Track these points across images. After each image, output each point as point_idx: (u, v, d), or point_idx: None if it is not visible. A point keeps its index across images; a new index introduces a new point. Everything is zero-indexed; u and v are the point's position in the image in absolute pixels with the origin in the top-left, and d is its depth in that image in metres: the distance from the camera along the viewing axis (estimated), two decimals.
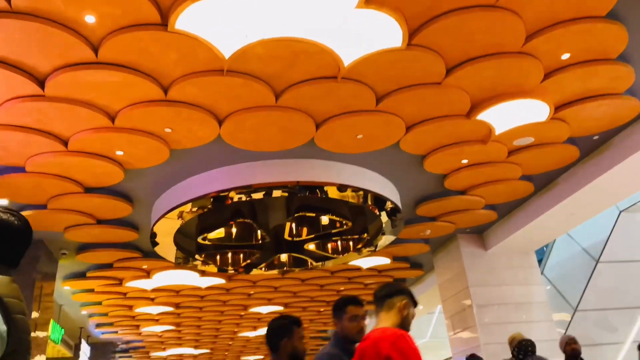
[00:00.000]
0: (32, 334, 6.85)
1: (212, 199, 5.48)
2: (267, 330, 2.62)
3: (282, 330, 2.57)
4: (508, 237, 7.86)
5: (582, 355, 4.76)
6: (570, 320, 10.01)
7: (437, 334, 17.08)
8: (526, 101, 4.65)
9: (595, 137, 5.60)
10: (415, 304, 2.31)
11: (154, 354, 16.71)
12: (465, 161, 5.79)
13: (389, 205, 6.03)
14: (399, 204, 6.23)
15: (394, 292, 2.29)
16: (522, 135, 5.34)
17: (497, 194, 6.72)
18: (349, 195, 5.69)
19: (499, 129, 5.14)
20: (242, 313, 12.34)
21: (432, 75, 4.25)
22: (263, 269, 7.55)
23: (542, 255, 11.69)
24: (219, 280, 9.33)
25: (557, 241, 11.27)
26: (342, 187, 5.54)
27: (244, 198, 5.46)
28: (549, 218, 7.08)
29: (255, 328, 14.29)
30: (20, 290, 1.60)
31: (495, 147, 5.50)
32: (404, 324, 2.24)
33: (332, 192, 5.56)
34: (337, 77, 4.14)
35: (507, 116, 4.91)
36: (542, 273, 10.65)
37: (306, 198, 6.01)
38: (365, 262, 8.80)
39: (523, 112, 4.85)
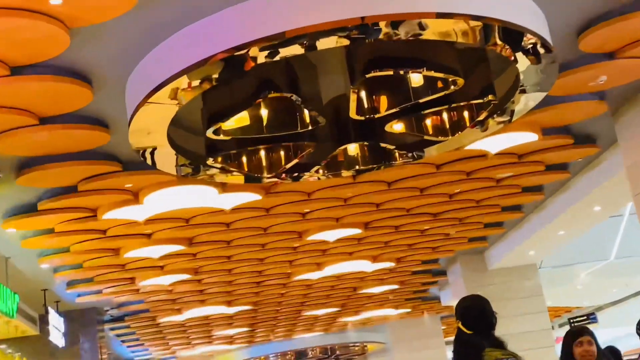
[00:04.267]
0: None
1: (221, 64, 5.52)
2: None
3: None
4: None
5: None
6: None
7: (628, 250, 17.24)
8: None
9: None
10: None
11: (164, 319, 17.90)
12: None
13: (529, 40, 5.86)
14: (548, 36, 6.05)
15: None
16: None
17: None
18: (456, 30, 5.56)
19: None
20: (296, 245, 12.82)
21: None
22: (320, 171, 7.71)
23: None
24: (252, 196, 9.66)
25: None
26: (442, 18, 5.40)
27: (274, 57, 5.46)
28: None
29: (319, 266, 14.90)
30: None
31: None
32: None
33: (426, 29, 5.44)
34: None
35: None
36: None
37: (381, 45, 5.93)
38: (494, 142, 8.80)
39: None
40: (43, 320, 13.52)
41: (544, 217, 12.95)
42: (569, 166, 10.93)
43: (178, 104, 5.98)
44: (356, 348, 26.90)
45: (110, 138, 7.27)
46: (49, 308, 13.75)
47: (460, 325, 4.25)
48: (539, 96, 6.87)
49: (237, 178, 7.57)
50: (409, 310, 22.78)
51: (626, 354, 7.82)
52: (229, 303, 17.26)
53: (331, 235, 12.39)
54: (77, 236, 10.27)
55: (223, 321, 19.94)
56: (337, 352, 26.97)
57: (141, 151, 6.83)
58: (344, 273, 15.82)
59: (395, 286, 18.70)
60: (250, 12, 5.43)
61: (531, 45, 5.94)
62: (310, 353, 26.61)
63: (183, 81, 5.70)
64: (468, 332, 4.22)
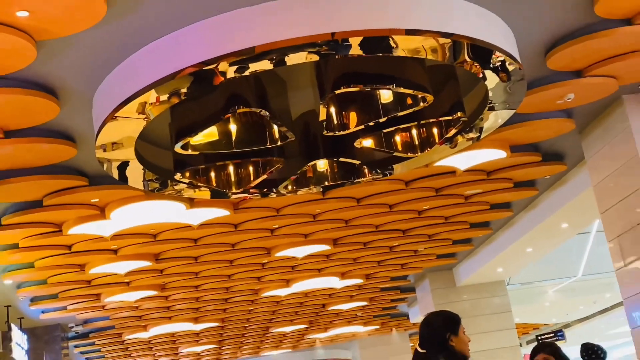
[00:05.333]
0: None
1: (190, 78, 5.54)
2: None
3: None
4: None
5: None
6: None
7: (596, 267, 17.41)
8: None
9: None
10: None
11: (130, 336, 17.73)
12: None
13: (497, 57, 5.95)
14: (516, 54, 6.17)
15: None
16: None
17: None
18: (425, 47, 5.64)
19: None
20: (265, 260, 12.80)
21: None
22: (289, 187, 7.74)
23: None
24: (220, 212, 9.69)
25: None
26: (411, 35, 5.46)
27: (244, 72, 5.50)
28: None
29: (287, 282, 14.89)
30: None
31: None
32: None
33: (397, 45, 5.52)
34: None
35: None
36: None
37: (351, 61, 5.98)
38: (463, 159, 8.89)
39: None
40: (6, 337, 13.33)
41: (512, 234, 13.05)
42: (537, 183, 11.06)
43: (146, 119, 5.99)
44: None
45: (76, 152, 7.24)
46: (12, 325, 13.56)
47: (417, 344, 4.15)
48: (508, 113, 6.98)
49: (205, 193, 7.58)
50: (377, 327, 22.77)
51: None
52: (195, 320, 17.15)
53: (300, 252, 12.38)
54: (41, 252, 10.20)
55: (189, 338, 19.79)
56: None
57: (108, 166, 6.84)
58: (312, 289, 15.82)
59: (364, 303, 18.68)
60: (219, 26, 5.47)
61: (500, 63, 6.03)
62: None
63: (151, 95, 5.70)
64: (421, 350, 4.08)
